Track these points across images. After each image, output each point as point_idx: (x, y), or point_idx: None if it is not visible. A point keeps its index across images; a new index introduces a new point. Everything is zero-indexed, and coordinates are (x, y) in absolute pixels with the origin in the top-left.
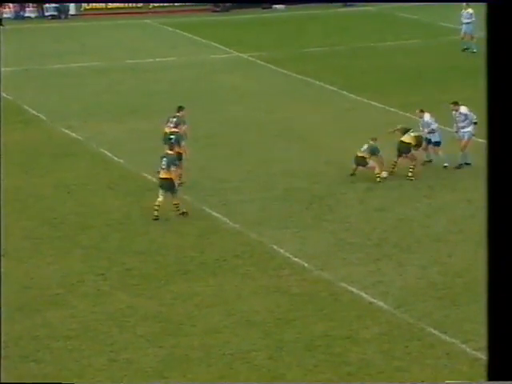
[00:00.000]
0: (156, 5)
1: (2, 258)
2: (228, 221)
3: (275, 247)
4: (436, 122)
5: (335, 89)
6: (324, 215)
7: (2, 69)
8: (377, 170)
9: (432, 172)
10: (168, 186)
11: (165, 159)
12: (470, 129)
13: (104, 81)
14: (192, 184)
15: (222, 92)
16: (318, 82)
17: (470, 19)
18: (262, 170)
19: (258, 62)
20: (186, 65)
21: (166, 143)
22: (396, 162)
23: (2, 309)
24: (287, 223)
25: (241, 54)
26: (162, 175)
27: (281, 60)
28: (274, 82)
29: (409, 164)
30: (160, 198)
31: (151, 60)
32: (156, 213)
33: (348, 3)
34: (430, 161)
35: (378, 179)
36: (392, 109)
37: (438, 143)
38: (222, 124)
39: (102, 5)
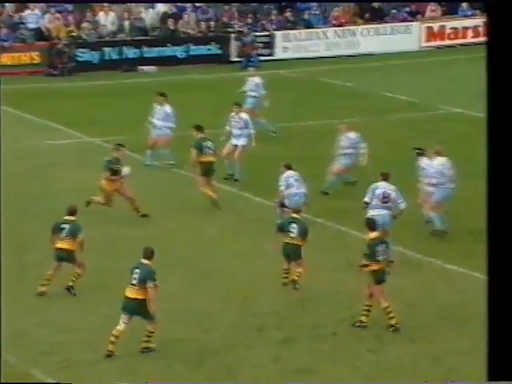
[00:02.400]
0: None
1: None
2: None
3: None
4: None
5: (234, 190)
6: (220, 379)
7: None
8: None
9: (381, 314)
10: (139, 309)
11: (137, 270)
12: None
13: None
14: (19, 334)
15: (65, 195)
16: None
17: (257, 91)
18: None
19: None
20: (13, 154)
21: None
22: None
23: None
24: None
25: (92, 139)
26: (131, 294)
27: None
28: (142, 179)
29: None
30: (121, 327)
31: None
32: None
33: (250, 63)
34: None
35: None
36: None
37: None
38: None
39: None
